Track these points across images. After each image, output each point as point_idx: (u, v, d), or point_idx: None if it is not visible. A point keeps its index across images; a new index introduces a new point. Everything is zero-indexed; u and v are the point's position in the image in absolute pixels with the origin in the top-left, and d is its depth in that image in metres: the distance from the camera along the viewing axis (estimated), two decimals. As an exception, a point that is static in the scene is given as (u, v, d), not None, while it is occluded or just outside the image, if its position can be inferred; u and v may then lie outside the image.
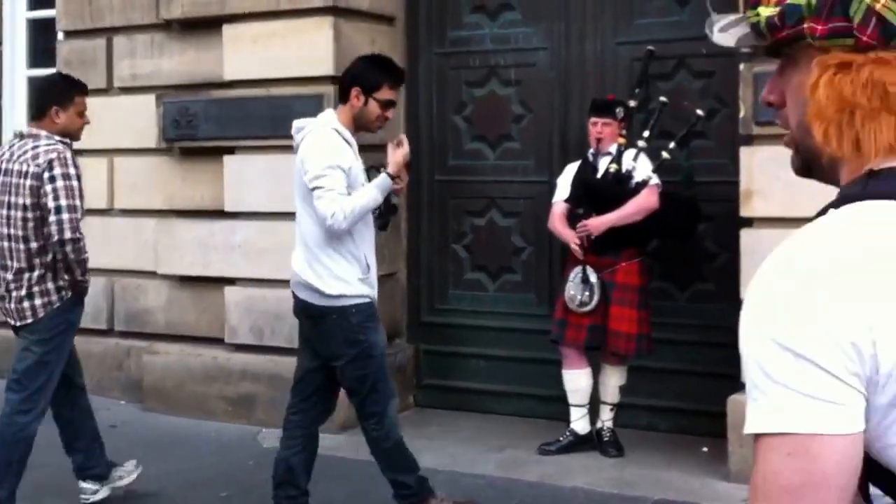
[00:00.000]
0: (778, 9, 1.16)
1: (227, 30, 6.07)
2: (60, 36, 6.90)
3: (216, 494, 4.91)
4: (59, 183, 4.10)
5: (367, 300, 4.10)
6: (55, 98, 4.31)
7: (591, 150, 5.23)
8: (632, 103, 5.22)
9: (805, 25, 1.14)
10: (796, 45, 1.17)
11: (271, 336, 6.04)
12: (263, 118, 5.97)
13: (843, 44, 1.12)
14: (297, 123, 4.15)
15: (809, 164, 1.26)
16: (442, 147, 6.15)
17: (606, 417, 5.33)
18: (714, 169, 5.25)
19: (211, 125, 6.17)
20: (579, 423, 5.36)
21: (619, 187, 5.13)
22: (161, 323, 6.59)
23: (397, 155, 4.00)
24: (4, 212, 4.21)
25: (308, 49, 5.80)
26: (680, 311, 5.38)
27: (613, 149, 5.18)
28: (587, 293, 5.05)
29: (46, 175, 4.11)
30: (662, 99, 5.21)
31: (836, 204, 1.14)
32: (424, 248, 6.24)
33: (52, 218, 4.08)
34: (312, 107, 5.77)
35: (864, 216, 1.09)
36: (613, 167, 5.14)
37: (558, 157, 5.73)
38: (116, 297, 6.75)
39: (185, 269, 6.37)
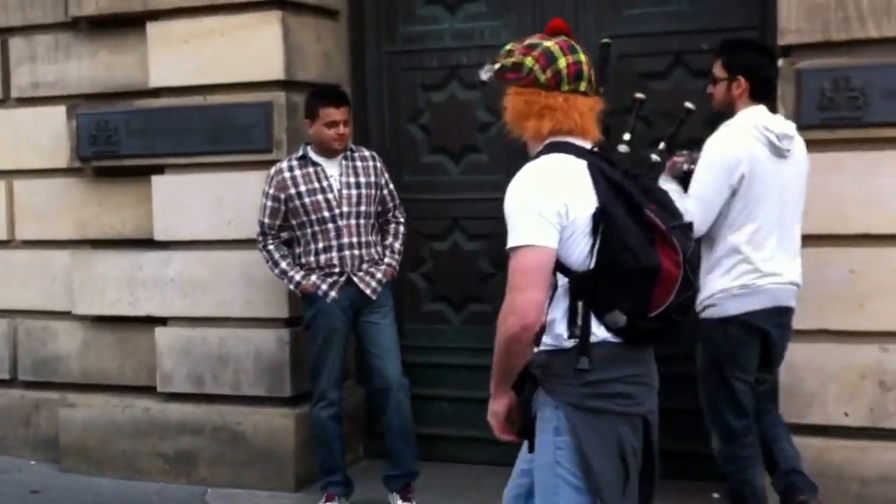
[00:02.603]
0: (498, 65, 2.74)
1: (152, 28, 5.20)
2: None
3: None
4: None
5: None
6: (305, 111, 4.67)
7: None
8: None
9: (506, 75, 2.73)
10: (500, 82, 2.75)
11: (213, 383, 5.20)
12: (200, 131, 5.12)
13: (518, 83, 2.69)
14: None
15: (522, 140, 2.77)
16: (395, 161, 5.30)
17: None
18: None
19: (136, 140, 5.28)
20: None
21: None
22: (75, 371, 5.65)
23: None
24: None
25: (253, 49, 4.99)
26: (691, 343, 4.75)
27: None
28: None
29: None
30: (638, 95, 4.60)
31: (539, 155, 2.65)
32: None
33: None
34: (259, 116, 5.02)
35: (551, 158, 2.60)
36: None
37: (535, 169, 5.05)
38: (20, 342, 5.79)
39: (106, 308, 5.46)
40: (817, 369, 4.09)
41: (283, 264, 4.61)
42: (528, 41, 2.71)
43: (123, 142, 5.32)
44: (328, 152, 4.60)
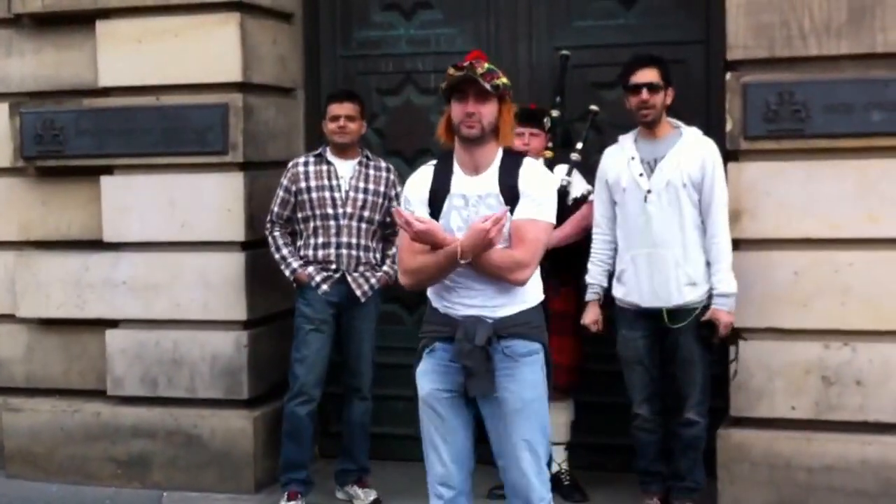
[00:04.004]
0: (502, 81, 3.28)
1: (102, 26, 5.14)
2: None
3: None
4: None
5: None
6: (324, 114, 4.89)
7: None
8: (555, 113, 4.78)
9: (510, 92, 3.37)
10: (496, 94, 3.28)
11: (168, 386, 5.19)
12: (153, 131, 5.09)
13: (510, 100, 3.37)
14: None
15: (481, 139, 3.29)
16: (350, 163, 5.46)
17: (561, 459, 4.88)
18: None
19: (84, 140, 5.21)
20: (530, 463, 4.91)
21: None
22: (19, 375, 5.56)
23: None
24: None
25: (209, 50, 4.99)
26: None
27: (540, 163, 4.74)
28: None
29: None
30: (593, 107, 4.80)
31: (521, 157, 3.41)
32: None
33: None
34: (216, 117, 5.03)
35: (533, 160, 3.49)
36: (545, 182, 4.70)
37: (487, 173, 5.18)
38: (-42, 346, 5.67)
39: (52, 310, 5.38)
40: (765, 365, 4.31)
41: (285, 251, 4.77)
42: (486, 63, 3.27)
43: (71, 141, 5.25)
44: (341, 152, 4.77)
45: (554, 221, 3.35)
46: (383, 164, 4.88)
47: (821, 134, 4.19)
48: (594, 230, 4.46)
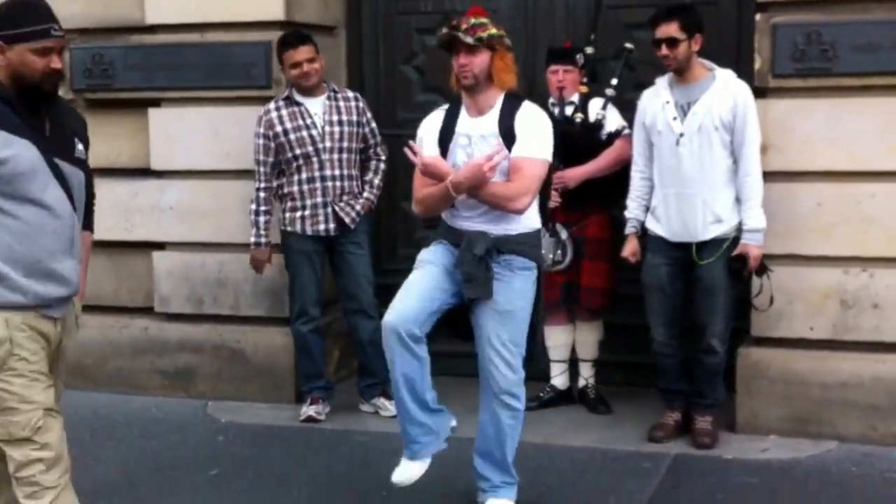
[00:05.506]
0: (488, 33, 3.65)
1: (149, -35, 5.33)
2: None
3: (205, 474, 4.45)
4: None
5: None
6: (277, 59, 4.96)
7: (551, 100, 4.98)
8: (589, 50, 4.99)
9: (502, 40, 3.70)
10: (483, 45, 3.63)
11: (213, 304, 5.47)
12: (198, 67, 5.31)
13: (506, 48, 3.75)
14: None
15: (477, 86, 3.66)
16: (389, 99, 5.66)
17: (588, 374, 5.20)
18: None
19: (132, 74, 5.43)
20: (559, 378, 5.23)
21: (589, 137, 4.94)
22: (70, 294, 5.81)
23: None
24: None
25: (252, -12, 5.18)
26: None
27: (576, 98, 4.97)
28: (559, 251, 4.85)
29: None
30: (628, 45, 5.01)
31: (521, 100, 3.73)
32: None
33: None
34: (259, 54, 5.23)
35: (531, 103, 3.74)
36: (580, 116, 4.93)
37: (524, 112, 5.37)
38: (13, 267, 5.89)
39: (102, 233, 5.52)
40: (785, 290, 4.55)
41: (262, 219, 4.99)
42: (478, 17, 3.67)
43: (119, 75, 5.47)
44: (306, 91, 4.92)
45: (550, 159, 3.69)
46: (351, 94, 5.05)
47: (847, 73, 4.38)
48: (633, 168, 4.69)
